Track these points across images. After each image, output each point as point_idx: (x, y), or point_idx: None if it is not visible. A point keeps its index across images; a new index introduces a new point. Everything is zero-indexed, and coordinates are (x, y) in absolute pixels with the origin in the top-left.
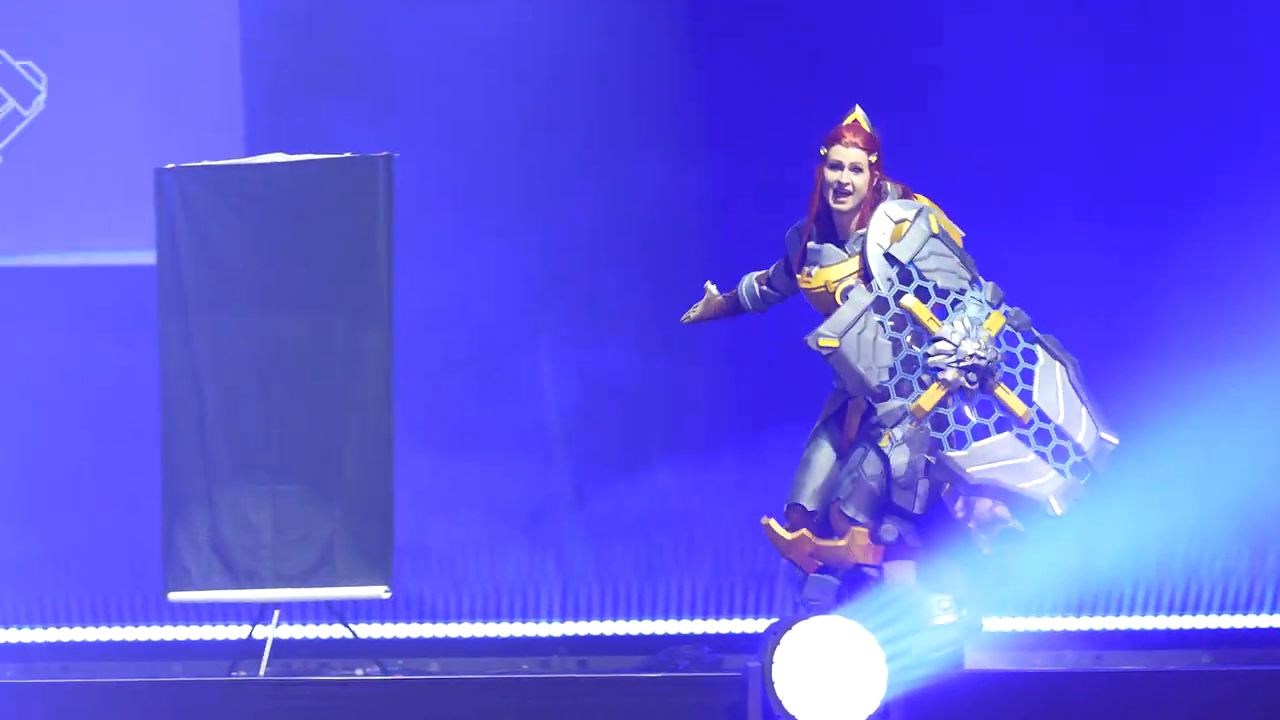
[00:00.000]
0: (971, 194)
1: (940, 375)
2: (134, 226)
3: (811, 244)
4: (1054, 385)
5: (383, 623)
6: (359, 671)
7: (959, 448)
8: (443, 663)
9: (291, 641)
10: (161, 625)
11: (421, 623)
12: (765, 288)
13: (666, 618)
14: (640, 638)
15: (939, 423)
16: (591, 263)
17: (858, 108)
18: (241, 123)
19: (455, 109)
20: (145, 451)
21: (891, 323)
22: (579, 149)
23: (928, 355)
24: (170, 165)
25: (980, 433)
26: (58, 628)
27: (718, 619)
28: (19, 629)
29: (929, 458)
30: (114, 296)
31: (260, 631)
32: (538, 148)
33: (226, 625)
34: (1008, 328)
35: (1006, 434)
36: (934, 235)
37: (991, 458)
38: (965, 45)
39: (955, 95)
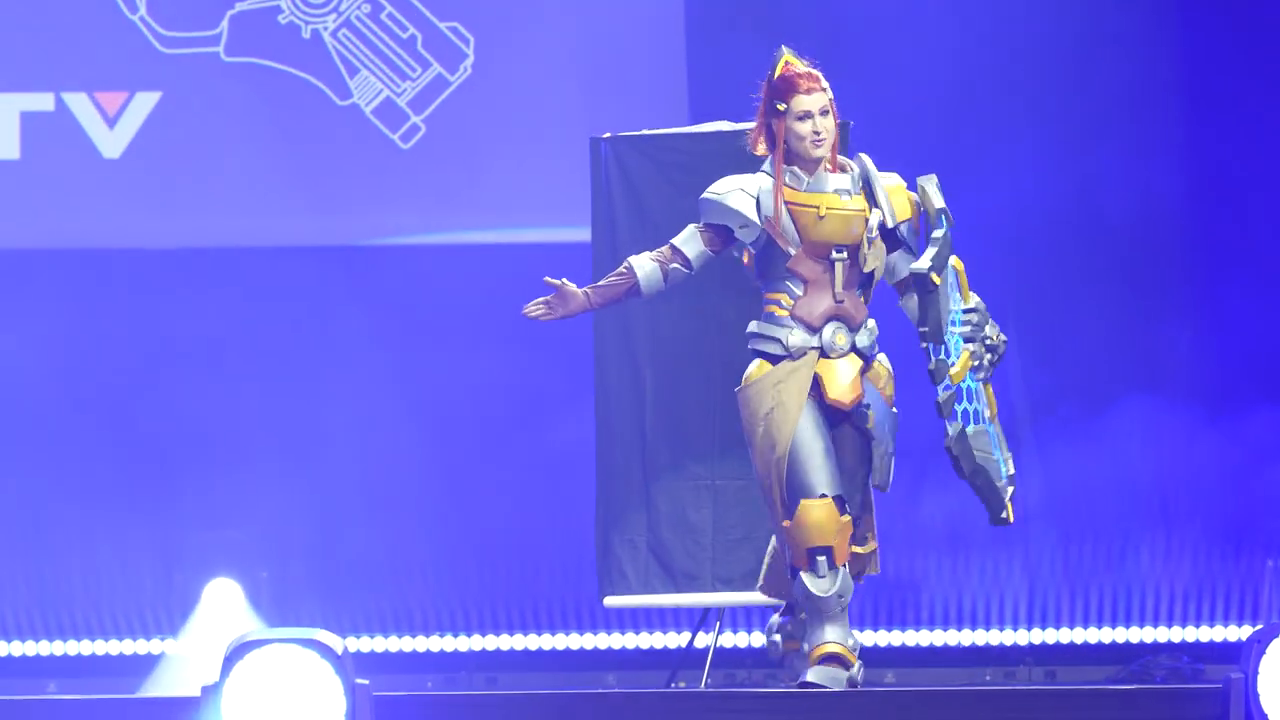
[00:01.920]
0: None
1: (968, 345)
2: (565, 200)
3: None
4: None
5: None
6: None
7: (969, 424)
8: (899, 673)
9: (735, 650)
10: (595, 633)
11: (875, 630)
12: (674, 265)
13: (1141, 625)
14: (1113, 646)
15: (957, 395)
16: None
17: (786, 49)
18: (685, 89)
19: (901, 76)
20: (578, 447)
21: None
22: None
23: (962, 321)
24: (607, 134)
25: (973, 418)
26: (482, 635)
27: (1197, 626)
28: (440, 636)
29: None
30: (538, 276)
31: (702, 639)
32: (985, 118)
33: (665, 633)
34: None
35: (983, 427)
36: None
37: (980, 446)
38: None
39: None
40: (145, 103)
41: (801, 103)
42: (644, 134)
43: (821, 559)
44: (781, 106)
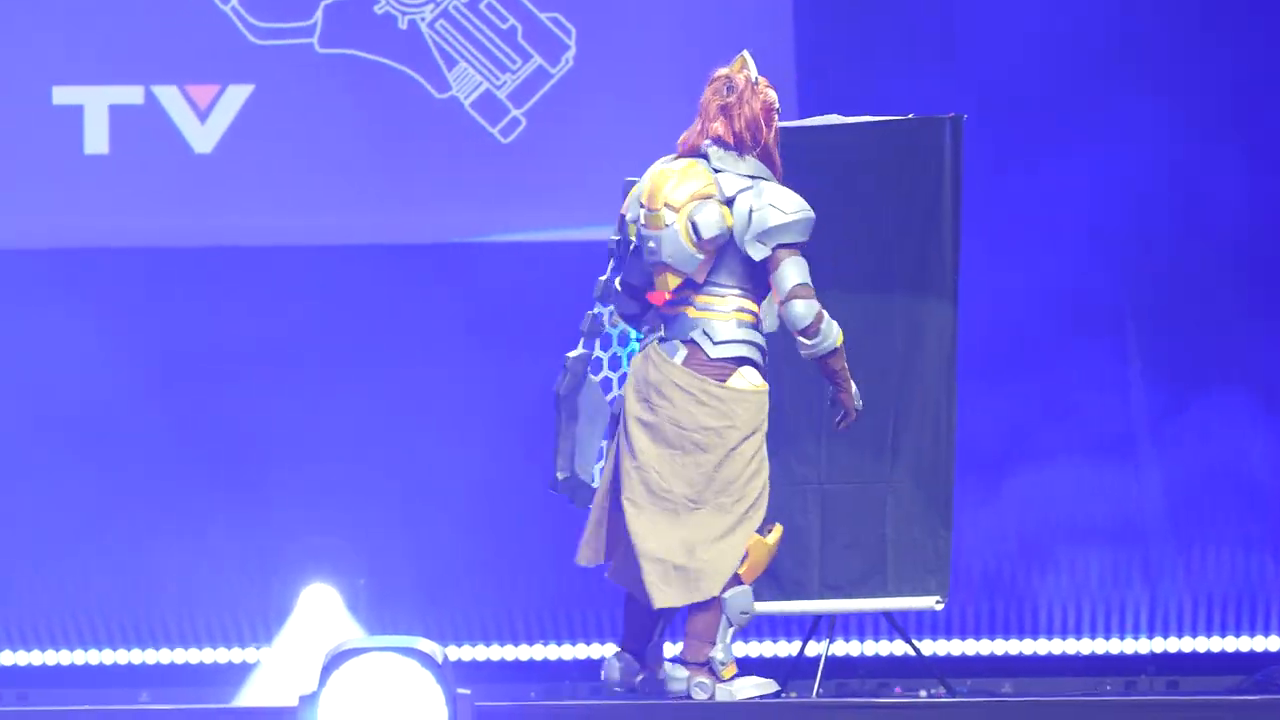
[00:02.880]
0: None
1: None
2: None
3: None
4: None
5: (948, 638)
6: (923, 693)
7: None
8: (1016, 683)
9: (848, 659)
10: None
11: (992, 639)
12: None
13: (1266, 634)
14: (1236, 655)
15: None
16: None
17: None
18: (793, 82)
19: (1025, 62)
20: None
21: None
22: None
23: None
24: None
25: None
26: (586, 644)
27: None
28: (544, 644)
29: None
30: None
31: (813, 648)
32: (1092, 115)
33: (775, 641)
34: None
35: None
36: None
37: None
38: None
39: None
40: (237, 96)
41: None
42: None
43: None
44: (777, 110)
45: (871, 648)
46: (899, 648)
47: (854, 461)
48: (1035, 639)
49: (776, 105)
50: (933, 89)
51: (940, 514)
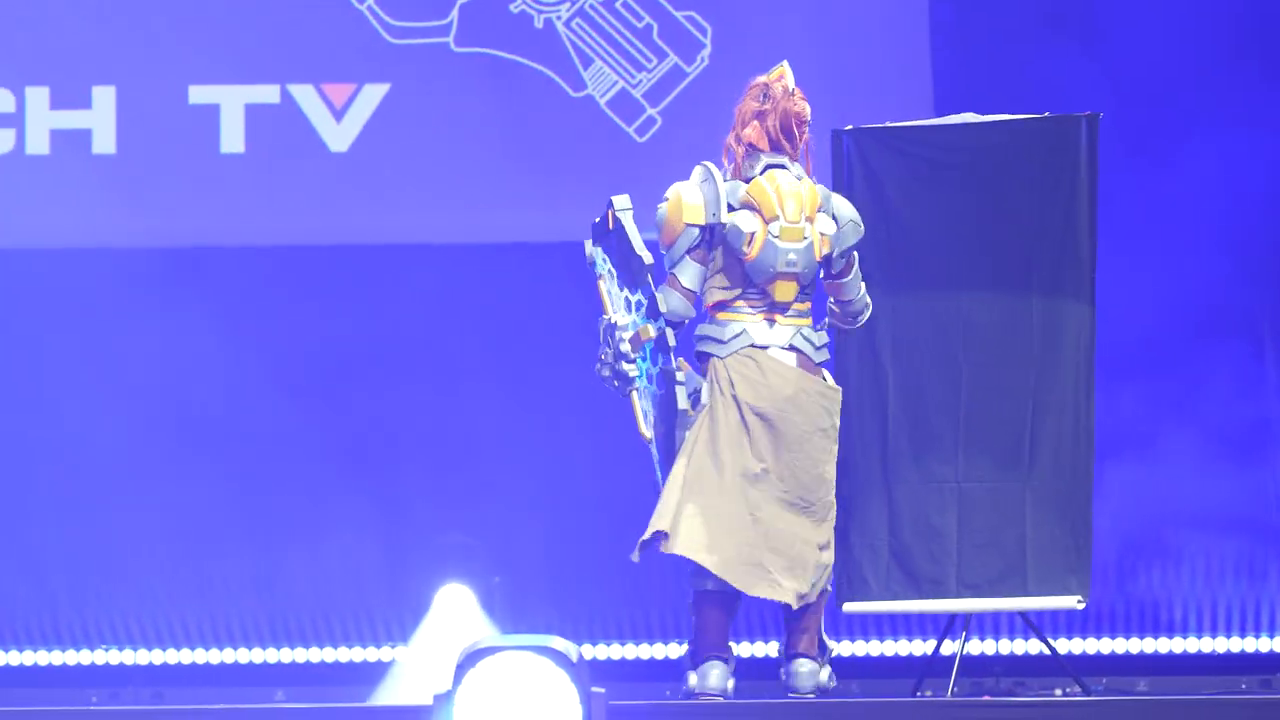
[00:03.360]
0: None
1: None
2: None
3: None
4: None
5: (1084, 637)
6: (1058, 691)
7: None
8: (1151, 681)
9: (983, 657)
10: (836, 640)
11: (1128, 637)
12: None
13: None
14: None
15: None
16: None
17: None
18: (929, 78)
19: (1167, 56)
20: None
21: None
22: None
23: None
24: (849, 127)
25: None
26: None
27: None
28: (679, 644)
29: None
30: None
31: (948, 646)
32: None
33: (910, 640)
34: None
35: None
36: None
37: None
38: None
39: None
40: (373, 95)
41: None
42: (888, 126)
43: None
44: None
45: (1006, 646)
46: (1034, 646)
47: (991, 460)
48: (1170, 637)
49: (807, 116)
50: (1070, 81)
51: (1080, 512)
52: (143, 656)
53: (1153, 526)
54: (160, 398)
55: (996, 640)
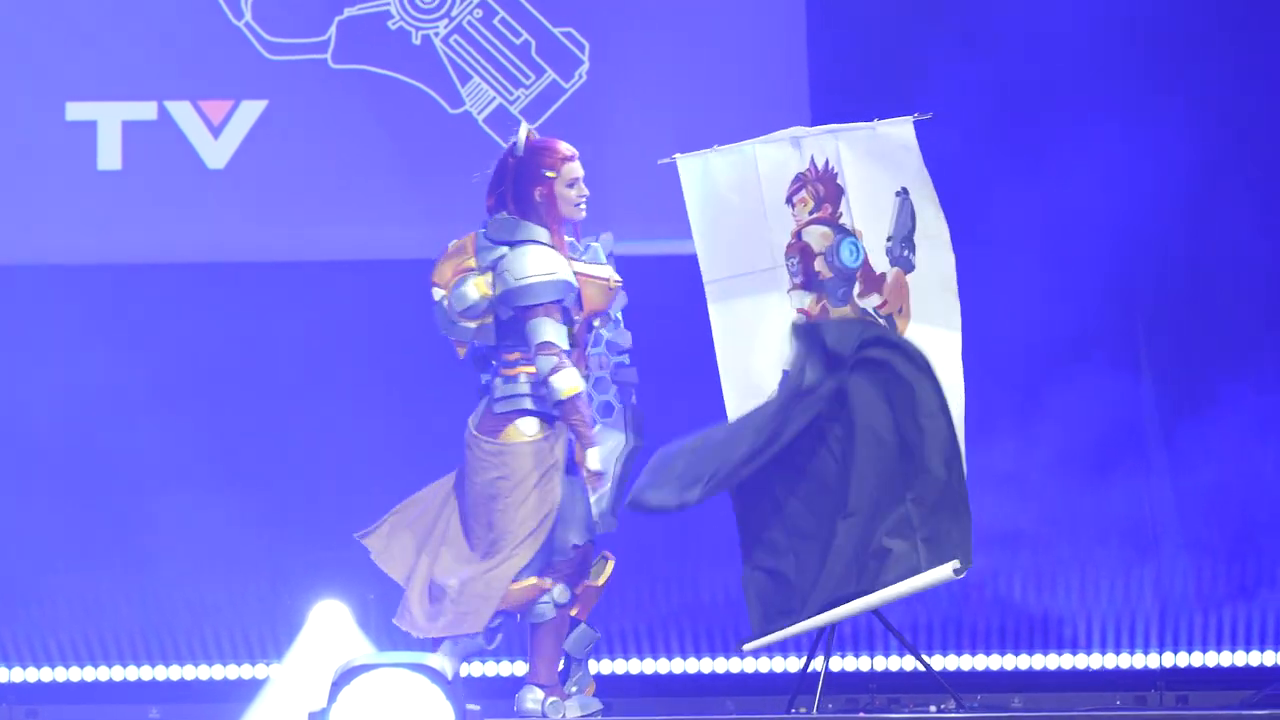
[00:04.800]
0: None
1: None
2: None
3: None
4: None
5: (959, 653)
6: (933, 708)
7: None
8: (1026, 698)
9: (858, 674)
10: (704, 658)
11: (1002, 654)
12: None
13: (1277, 649)
14: (1247, 670)
15: None
16: None
17: (526, 125)
18: (806, 86)
19: (1033, 61)
20: None
21: None
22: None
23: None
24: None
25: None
26: (611, 659)
27: None
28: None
29: None
30: (649, 289)
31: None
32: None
33: (785, 657)
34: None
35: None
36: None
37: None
38: None
39: None
40: (251, 111)
41: (572, 169)
42: (716, 149)
43: None
44: (551, 174)
45: (881, 663)
46: (909, 663)
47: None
48: (1045, 653)
49: (522, 158)
50: (953, 87)
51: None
52: (16, 675)
53: (1026, 543)
54: (31, 414)
55: (871, 656)
